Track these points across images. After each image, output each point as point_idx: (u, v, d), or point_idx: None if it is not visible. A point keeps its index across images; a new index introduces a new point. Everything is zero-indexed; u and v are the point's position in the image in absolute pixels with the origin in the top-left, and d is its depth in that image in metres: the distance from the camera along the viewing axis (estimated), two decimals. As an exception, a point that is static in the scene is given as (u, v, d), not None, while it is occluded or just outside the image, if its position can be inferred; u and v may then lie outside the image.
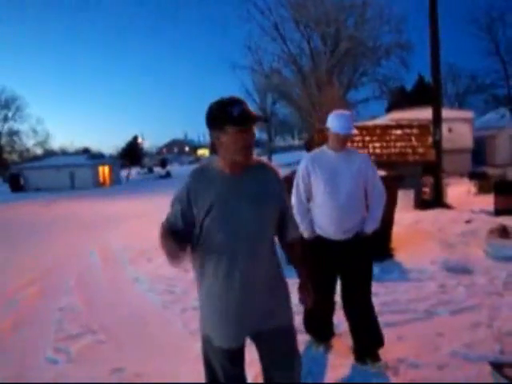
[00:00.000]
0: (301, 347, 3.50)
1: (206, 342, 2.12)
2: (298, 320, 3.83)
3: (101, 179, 38.47)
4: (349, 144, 3.42)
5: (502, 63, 39.43)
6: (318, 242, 3.31)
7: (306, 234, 3.33)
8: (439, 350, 3.46)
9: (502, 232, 6.08)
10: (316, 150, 3.43)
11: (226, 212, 1.93)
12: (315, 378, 3.19)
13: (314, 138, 12.78)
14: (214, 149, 1.97)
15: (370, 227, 3.28)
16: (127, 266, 6.94)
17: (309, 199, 3.35)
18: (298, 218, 3.31)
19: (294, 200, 3.33)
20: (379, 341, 3.30)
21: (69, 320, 4.66)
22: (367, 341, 3.31)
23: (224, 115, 1.83)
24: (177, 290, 5.38)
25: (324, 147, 3.35)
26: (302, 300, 2.30)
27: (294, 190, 3.36)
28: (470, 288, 4.82)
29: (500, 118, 37.46)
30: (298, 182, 3.35)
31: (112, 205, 18.92)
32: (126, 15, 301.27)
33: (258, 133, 61.57)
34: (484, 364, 3.17)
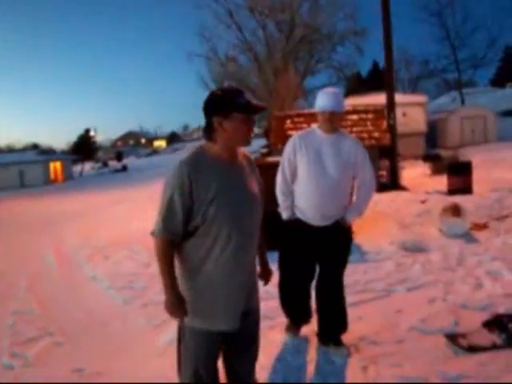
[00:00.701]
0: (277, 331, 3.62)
1: (195, 334, 2.07)
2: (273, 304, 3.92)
3: (52, 176, 37.22)
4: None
5: (452, 48, 40.86)
6: (296, 225, 3.23)
7: (284, 215, 3.29)
8: (398, 326, 3.62)
9: (455, 210, 6.36)
10: (305, 130, 3.33)
11: (230, 200, 1.95)
12: (287, 362, 3.26)
13: (272, 126, 12.83)
14: (209, 135, 1.98)
15: (352, 216, 3.20)
16: (84, 265, 6.79)
17: (293, 181, 3.23)
18: (279, 198, 3.29)
19: (278, 178, 3.26)
20: (344, 326, 3.38)
21: (24, 323, 4.51)
22: (332, 325, 3.37)
23: (231, 102, 1.89)
24: (137, 285, 5.33)
25: (314, 126, 3.22)
26: (264, 277, 2.43)
27: (279, 169, 3.27)
28: (425, 265, 5.06)
29: (451, 102, 38.99)
30: (284, 160, 3.22)
31: (65, 202, 18.38)
32: (77, 2, 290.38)
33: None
34: (440, 336, 3.37)
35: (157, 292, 4.91)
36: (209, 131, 1.97)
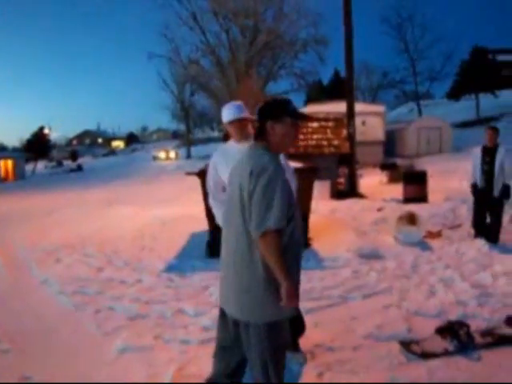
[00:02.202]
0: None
1: (282, 325, 2.30)
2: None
3: (3, 174, 35.68)
4: None
5: (411, 61, 42.34)
6: None
7: (219, 223, 3.37)
8: (353, 332, 3.66)
9: (410, 219, 6.55)
10: (224, 144, 3.60)
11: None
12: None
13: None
14: (262, 137, 2.28)
15: None
16: (34, 268, 6.50)
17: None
18: (211, 209, 3.54)
19: (207, 191, 3.57)
20: (301, 329, 3.39)
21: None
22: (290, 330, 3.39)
23: (283, 108, 2.27)
24: (89, 290, 5.14)
25: (230, 140, 3.51)
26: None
27: (206, 182, 3.59)
28: (381, 272, 5.16)
29: (409, 112, 40.30)
30: (209, 174, 3.54)
31: (15, 202, 17.60)
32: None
33: (176, 125, 60.52)
34: (394, 343, 3.43)
35: (109, 298, 4.76)
36: (261, 134, 2.28)
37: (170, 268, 5.73)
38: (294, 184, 3.05)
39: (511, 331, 3.53)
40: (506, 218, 6.95)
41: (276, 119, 2.25)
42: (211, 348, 3.51)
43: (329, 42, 29.26)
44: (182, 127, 54.62)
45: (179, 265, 5.84)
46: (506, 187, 5.96)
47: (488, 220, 6.24)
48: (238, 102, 3.42)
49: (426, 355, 3.25)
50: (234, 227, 2.25)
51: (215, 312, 4.13)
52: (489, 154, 6.05)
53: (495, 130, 6.13)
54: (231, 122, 3.33)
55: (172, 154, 48.73)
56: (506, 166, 5.97)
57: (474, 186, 6.27)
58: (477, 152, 6.21)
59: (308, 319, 3.84)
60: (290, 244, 2.22)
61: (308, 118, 2.50)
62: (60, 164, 52.56)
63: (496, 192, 5.98)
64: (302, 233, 2.40)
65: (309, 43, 29.67)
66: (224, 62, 27.66)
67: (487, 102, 32.42)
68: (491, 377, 2.96)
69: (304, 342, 3.41)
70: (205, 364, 3.28)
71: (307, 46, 29.83)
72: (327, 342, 3.51)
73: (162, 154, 48.59)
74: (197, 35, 28.32)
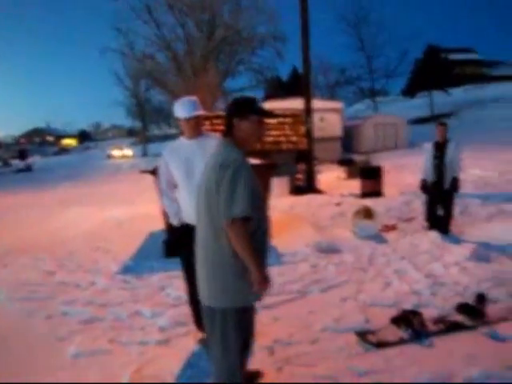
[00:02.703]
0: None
1: (246, 311, 2.45)
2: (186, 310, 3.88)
3: None
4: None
5: (367, 58, 43.36)
6: (185, 229, 3.37)
7: (174, 222, 3.50)
8: (311, 326, 3.75)
9: (366, 213, 6.74)
10: (174, 141, 3.57)
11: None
12: (199, 368, 3.25)
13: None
14: (230, 133, 2.42)
15: None
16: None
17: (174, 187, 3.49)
18: (165, 207, 3.54)
19: (159, 189, 3.56)
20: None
21: None
22: None
23: (249, 106, 2.39)
24: (40, 295, 4.98)
25: (180, 137, 3.50)
26: None
27: (158, 180, 3.58)
28: (339, 266, 5.29)
29: (366, 109, 41.27)
30: (160, 172, 3.52)
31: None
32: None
33: (131, 121, 59.20)
34: (351, 334, 3.55)
35: (61, 302, 4.64)
36: (229, 130, 2.42)
37: (126, 269, 5.65)
38: None
39: (462, 318, 3.73)
40: (456, 210, 7.29)
41: (242, 116, 2.38)
42: (169, 348, 3.54)
43: (287, 39, 29.47)
44: (138, 124, 53.51)
45: (135, 266, 5.76)
46: (455, 180, 6.25)
47: (440, 212, 6.52)
48: (193, 98, 3.42)
49: (381, 344, 3.38)
50: (203, 218, 2.38)
51: (172, 312, 4.14)
52: (439, 148, 6.32)
53: (445, 126, 6.41)
54: (187, 119, 3.33)
55: (128, 152, 47.73)
56: (455, 160, 6.26)
57: (424, 181, 6.54)
58: (428, 147, 6.47)
59: (267, 314, 3.94)
60: (258, 232, 2.35)
61: (273, 115, 2.60)
62: (7, 164, 50.35)
63: (446, 185, 6.27)
64: (269, 225, 2.52)
65: (267, 39, 29.74)
66: (180, 57, 27.27)
67: (440, 99, 33.66)
68: (443, 362, 3.11)
69: (263, 338, 3.47)
70: (163, 364, 3.29)
71: (265, 41, 29.93)
72: (286, 337, 3.58)
73: (118, 152, 47.50)
74: (151, 29, 27.78)
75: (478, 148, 15.84)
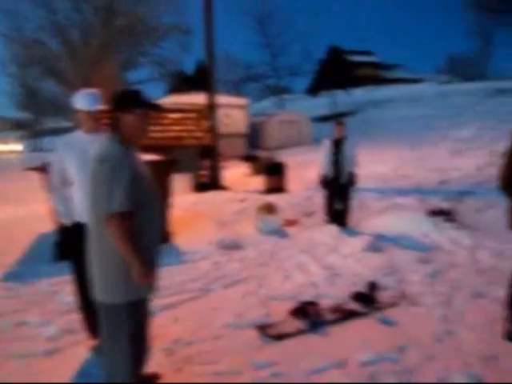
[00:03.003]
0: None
1: (131, 306, 2.40)
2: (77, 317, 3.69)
3: None
4: None
5: (272, 56, 44.36)
6: (77, 228, 3.19)
7: (65, 222, 3.33)
8: (213, 324, 3.78)
9: (269, 208, 6.93)
10: (69, 134, 3.39)
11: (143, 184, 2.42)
12: (89, 376, 3.12)
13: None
14: (114, 127, 2.38)
15: None
16: None
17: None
18: (56, 206, 3.35)
19: (51, 186, 3.33)
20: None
21: None
22: None
23: (133, 100, 2.38)
24: None
25: (77, 131, 3.34)
26: None
27: (50, 176, 3.35)
28: (241, 262, 5.39)
29: (271, 106, 42.26)
30: (53, 168, 3.31)
31: None
32: None
33: (19, 113, 54.75)
34: (252, 329, 3.63)
35: None
36: (114, 124, 2.38)
37: (10, 276, 5.21)
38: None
39: (356, 306, 3.99)
40: (354, 204, 7.76)
41: (126, 110, 2.37)
42: (59, 359, 3.34)
43: (192, 31, 29.14)
44: (28, 116, 49.70)
45: (22, 271, 5.33)
46: (351, 175, 6.67)
47: (338, 206, 6.89)
48: (96, 91, 3.30)
49: (281, 336, 3.50)
50: (90, 214, 2.39)
51: (63, 320, 3.93)
52: (337, 145, 6.68)
53: (342, 125, 6.79)
54: (88, 112, 3.19)
55: (14, 147, 44.20)
56: (351, 156, 6.66)
57: (323, 177, 6.87)
58: (327, 144, 6.81)
59: (167, 315, 3.90)
60: (144, 229, 2.38)
61: (159, 108, 2.57)
62: None
63: (344, 180, 6.65)
64: (160, 221, 2.59)
65: (171, 31, 29.20)
66: (75, 45, 25.80)
67: (342, 99, 35.47)
68: (339, 349, 3.29)
69: (162, 340, 3.44)
70: (51, 377, 3.10)
71: (169, 33, 29.35)
72: (186, 337, 3.57)
73: (3, 147, 43.79)
74: (42, 12, 25.93)
75: (375, 145, 16.95)
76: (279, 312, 3.92)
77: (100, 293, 2.41)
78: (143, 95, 2.44)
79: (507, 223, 3.40)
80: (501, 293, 4.14)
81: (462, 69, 50.86)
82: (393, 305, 4.05)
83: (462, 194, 9.09)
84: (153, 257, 2.47)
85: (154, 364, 3.04)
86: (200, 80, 15.20)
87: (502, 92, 24.12)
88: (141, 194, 2.34)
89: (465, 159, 13.24)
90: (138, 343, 2.51)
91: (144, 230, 2.38)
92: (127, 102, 2.38)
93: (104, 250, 2.35)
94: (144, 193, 2.37)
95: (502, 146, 3.66)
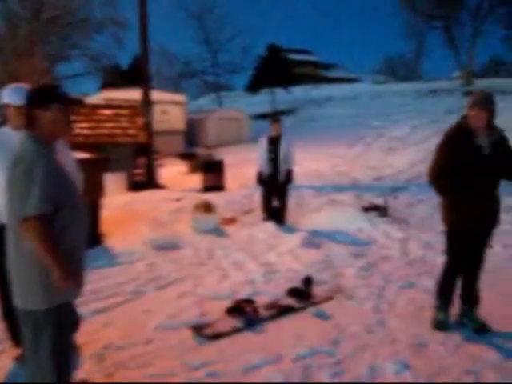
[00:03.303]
0: None
1: (56, 311, 2.31)
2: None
3: None
4: None
5: (211, 52, 44.08)
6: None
7: None
8: (146, 326, 3.72)
9: (206, 207, 6.90)
10: None
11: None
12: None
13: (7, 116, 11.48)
14: (30, 125, 2.27)
15: None
16: None
17: None
18: None
19: None
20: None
21: None
22: None
23: (50, 95, 2.30)
24: None
25: (4, 127, 3.20)
26: None
27: None
28: (176, 262, 5.34)
29: (211, 103, 42.06)
30: None
31: None
32: None
33: None
34: (187, 329, 3.61)
35: None
36: (30, 122, 2.27)
37: None
38: (77, 175, 2.94)
39: (292, 301, 4.08)
40: (292, 201, 7.91)
41: (43, 107, 2.27)
42: None
43: (127, 25, 28.37)
44: None
45: None
46: (288, 172, 6.79)
47: (276, 203, 7.00)
48: (25, 85, 3.15)
49: (216, 336, 3.51)
50: (7, 216, 2.31)
51: None
52: (274, 143, 6.78)
53: (278, 122, 6.90)
54: (18, 107, 3.01)
55: None
56: (288, 153, 6.78)
57: (260, 174, 6.96)
58: (263, 142, 6.89)
59: (98, 320, 3.81)
60: (67, 231, 2.30)
61: (79, 103, 2.48)
62: None
63: (281, 177, 6.76)
64: (86, 222, 2.51)
65: (105, 24, 28.34)
66: (0, 36, 24.45)
67: (282, 97, 35.92)
68: (274, 345, 3.35)
69: (92, 345, 3.36)
70: None
71: (103, 26, 28.46)
72: (118, 341, 3.49)
73: None
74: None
75: (313, 143, 17.33)
76: (215, 311, 3.92)
77: (19, 299, 2.31)
78: (60, 90, 2.38)
79: (442, 218, 3.61)
80: (429, 282, 4.41)
81: (397, 69, 53.22)
82: (328, 299, 4.18)
83: (395, 190, 9.54)
84: (77, 259, 2.38)
85: (83, 370, 2.98)
86: (136, 75, 14.86)
87: (433, 92, 25.46)
88: (63, 194, 2.26)
89: (398, 157, 13.87)
90: (62, 351, 2.40)
91: (67, 231, 2.29)
92: (43, 98, 2.29)
93: (21, 254, 2.26)
94: (67, 193, 2.30)
95: (432, 144, 3.87)
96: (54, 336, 2.33)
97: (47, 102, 2.27)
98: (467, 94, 23.90)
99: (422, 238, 6.10)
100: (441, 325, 3.57)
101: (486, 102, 3.32)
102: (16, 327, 3.07)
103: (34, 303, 2.28)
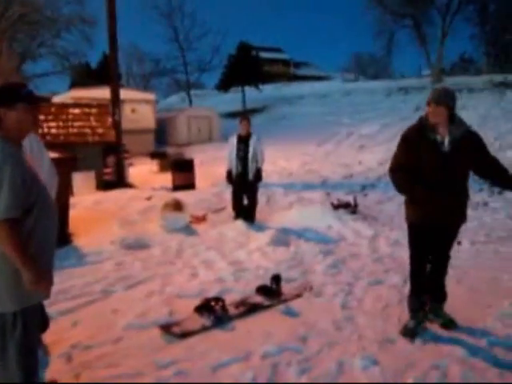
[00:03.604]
0: None
1: (31, 312, 2.32)
2: None
3: None
4: None
5: (181, 50, 43.79)
6: None
7: None
8: (114, 326, 3.69)
9: (176, 206, 6.87)
10: None
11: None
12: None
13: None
14: None
15: None
16: None
17: None
18: None
19: None
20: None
21: None
22: None
23: (15, 94, 2.26)
24: None
25: None
26: None
27: None
28: (145, 261, 5.32)
29: (181, 101, 41.79)
30: None
31: None
32: None
33: None
34: (155, 328, 3.59)
35: None
36: None
37: None
38: (52, 174, 3.04)
39: (260, 299, 4.10)
40: (262, 199, 7.95)
41: (8, 106, 2.23)
42: None
43: (96, 22, 27.94)
44: None
45: None
46: (258, 171, 6.83)
47: (246, 202, 7.02)
48: None
49: (185, 334, 3.50)
50: None
51: None
52: (243, 141, 6.81)
53: (248, 120, 6.94)
54: None
55: None
56: (258, 152, 6.82)
57: (229, 173, 6.98)
58: (232, 140, 6.91)
59: (66, 320, 3.76)
60: (37, 231, 2.27)
61: (44, 101, 2.43)
62: None
63: (251, 176, 6.79)
64: (56, 221, 2.46)
65: (73, 21, 27.86)
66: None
67: (252, 95, 36.00)
68: (242, 343, 3.36)
69: (60, 345, 3.32)
70: None
71: (71, 24, 27.99)
72: (86, 340, 3.45)
73: None
74: None
75: (283, 141, 17.44)
76: (184, 310, 3.91)
77: None
78: (26, 88, 2.33)
79: (405, 214, 3.60)
80: (397, 279, 4.50)
81: (367, 67, 53.91)
82: (296, 296, 4.22)
83: (365, 188, 9.71)
84: (46, 260, 2.36)
85: (51, 370, 2.95)
86: (105, 73, 14.66)
87: (402, 90, 25.93)
88: (32, 194, 2.22)
89: (368, 154, 14.11)
90: (29, 352, 2.37)
91: (37, 231, 2.27)
92: (9, 97, 2.26)
93: None
94: (36, 192, 2.26)
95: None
96: (22, 337, 2.29)
97: (13, 101, 2.24)
98: (437, 91, 24.61)
99: (390, 235, 6.21)
100: (409, 332, 3.47)
101: (443, 98, 3.28)
102: None
103: (2, 306, 2.24)
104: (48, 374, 2.83)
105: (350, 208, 7.53)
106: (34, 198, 2.23)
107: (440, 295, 3.62)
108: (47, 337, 3.03)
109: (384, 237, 6.16)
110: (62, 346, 3.32)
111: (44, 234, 2.32)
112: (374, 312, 3.86)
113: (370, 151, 14.55)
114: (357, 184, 10.15)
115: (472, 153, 3.34)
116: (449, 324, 3.55)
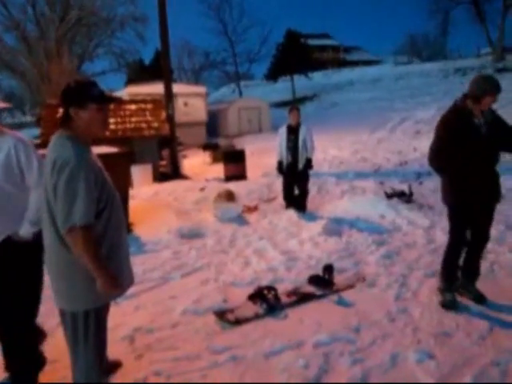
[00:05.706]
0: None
1: (97, 312, 2.33)
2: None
3: None
4: None
5: (230, 43, 44.08)
6: None
7: None
8: (172, 311, 3.84)
9: (228, 196, 7.00)
10: None
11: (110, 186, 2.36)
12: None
13: (43, 115, 11.80)
14: (67, 124, 2.21)
15: (25, 229, 2.74)
16: None
17: None
18: None
19: None
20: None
21: None
22: None
23: (86, 93, 2.19)
24: None
25: None
26: None
27: None
28: (200, 250, 5.46)
29: (231, 93, 42.10)
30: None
31: None
32: None
33: (-32, 108, 52.17)
34: (210, 315, 3.71)
35: None
36: (66, 121, 2.21)
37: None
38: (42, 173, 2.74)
39: (312, 289, 4.12)
40: (314, 189, 7.93)
41: (79, 105, 2.18)
42: None
43: (148, 20, 28.70)
44: (-20, 111, 47.61)
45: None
46: (308, 160, 6.81)
47: (296, 191, 7.04)
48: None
49: (239, 321, 3.59)
50: (46, 225, 2.25)
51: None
52: (293, 132, 6.80)
53: (298, 110, 6.91)
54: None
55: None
56: (307, 141, 6.79)
57: (280, 163, 7.00)
58: (282, 130, 6.93)
59: (128, 304, 3.94)
60: (107, 234, 2.27)
61: (116, 100, 2.45)
62: None
63: (301, 166, 6.79)
64: (123, 219, 2.46)
65: (127, 21, 28.78)
66: (31, 39, 25.04)
67: (302, 83, 35.69)
68: (295, 331, 3.40)
69: (123, 328, 3.49)
70: None
71: (125, 23, 28.92)
72: (147, 324, 3.62)
73: None
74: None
75: (335, 129, 17.23)
76: (238, 298, 4.00)
77: (61, 301, 2.32)
78: (97, 87, 2.25)
79: (442, 197, 3.78)
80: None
81: (421, 49, 51.73)
82: (349, 287, 4.17)
83: (420, 176, 9.41)
84: (118, 260, 2.35)
85: (115, 351, 3.07)
86: (158, 69, 15.02)
87: (459, 71, 24.82)
88: (103, 196, 2.22)
89: (424, 141, 13.63)
90: (102, 347, 2.44)
91: (107, 235, 2.27)
92: (80, 96, 2.18)
93: (64, 259, 2.22)
94: (107, 194, 2.26)
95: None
96: (93, 336, 2.34)
97: (84, 100, 2.18)
98: (500, 71, 23.08)
99: (447, 225, 5.95)
100: (451, 304, 3.62)
101: (500, 85, 3.41)
102: (8, 348, 2.84)
103: (75, 305, 2.28)
104: (112, 355, 2.93)
105: (405, 197, 7.29)
106: (105, 199, 2.23)
107: (474, 272, 3.78)
108: (111, 320, 3.19)
109: (440, 227, 5.89)
110: (125, 329, 3.50)
111: (114, 235, 2.32)
112: (429, 304, 3.74)
113: (427, 137, 14.01)
114: (412, 172, 9.86)
115: (500, 131, 3.49)
116: (479, 299, 3.66)
